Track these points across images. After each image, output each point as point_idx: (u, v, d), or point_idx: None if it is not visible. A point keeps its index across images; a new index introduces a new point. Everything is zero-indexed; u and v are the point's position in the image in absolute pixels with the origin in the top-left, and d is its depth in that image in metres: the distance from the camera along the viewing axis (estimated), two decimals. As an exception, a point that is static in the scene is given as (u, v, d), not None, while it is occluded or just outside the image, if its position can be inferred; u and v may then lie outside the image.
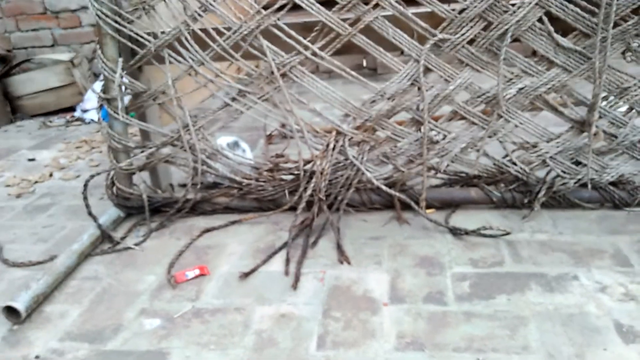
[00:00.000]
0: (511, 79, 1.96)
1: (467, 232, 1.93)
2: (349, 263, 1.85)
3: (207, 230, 2.14)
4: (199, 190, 2.24)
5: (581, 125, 2.00)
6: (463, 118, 2.06)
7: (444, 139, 2.03)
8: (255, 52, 2.04)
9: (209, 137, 2.23)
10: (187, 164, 2.21)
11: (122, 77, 2.12)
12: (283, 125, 3.12)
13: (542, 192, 1.99)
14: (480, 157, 2.06)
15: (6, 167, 3.20)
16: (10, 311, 1.65)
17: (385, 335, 1.49)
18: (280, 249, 1.97)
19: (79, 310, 1.71)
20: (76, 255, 1.94)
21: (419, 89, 1.98)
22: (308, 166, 2.15)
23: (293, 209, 2.14)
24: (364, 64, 4.66)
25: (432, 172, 2.10)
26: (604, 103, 1.98)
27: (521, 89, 1.95)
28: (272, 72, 2.02)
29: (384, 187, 2.04)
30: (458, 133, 2.04)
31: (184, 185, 2.39)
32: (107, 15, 2.08)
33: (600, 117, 1.97)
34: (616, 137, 2.00)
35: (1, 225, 2.40)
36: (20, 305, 1.64)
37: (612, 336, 1.41)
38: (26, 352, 1.54)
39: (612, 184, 2.04)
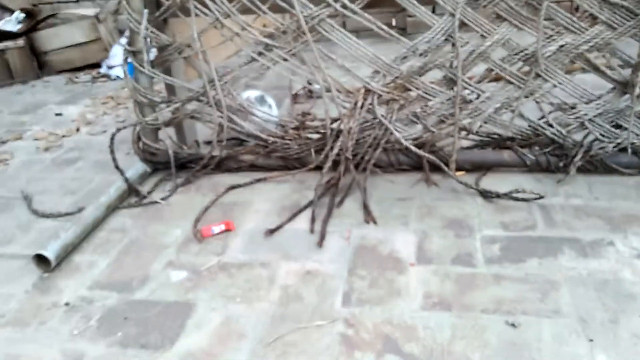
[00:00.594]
0: (551, 36, 1.86)
1: (498, 195, 1.87)
2: (375, 223, 1.82)
3: (233, 187, 2.13)
4: (225, 147, 2.22)
5: (624, 87, 1.90)
6: (497, 79, 1.98)
7: (477, 98, 1.96)
8: (283, 4, 1.97)
9: (234, 93, 2.19)
10: (213, 120, 2.19)
11: (147, 29, 2.08)
12: (309, 84, 3.09)
13: (579, 156, 1.92)
14: (515, 118, 1.98)
15: (34, 121, 3.23)
16: (41, 259, 1.68)
17: (411, 295, 1.47)
18: (305, 207, 1.95)
19: (107, 261, 1.73)
20: (104, 207, 1.95)
21: (454, 44, 1.89)
22: (335, 125, 2.10)
23: (319, 168, 2.11)
24: (393, 22, 4.52)
25: (464, 133, 2.03)
26: (650, 63, 1.87)
27: (562, 46, 1.85)
28: (300, 26, 1.95)
29: (413, 148, 1.98)
30: (492, 92, 1.96)
31: (209, 142, 2.38)
32: (133, -35, 2.03)
33: (645, 79, 1.87)
34: (661, 100, 1.90)
35: (31, 178, 2.43)
36: (50, 253, 1.67)
37: (648, 303, 1.37)
38: (56, 299, 1.57)
39: (653, 149, 1.95)
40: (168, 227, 1.90)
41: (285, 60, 2.05)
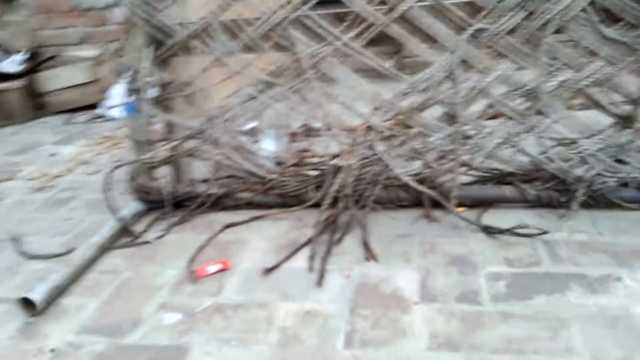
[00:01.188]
0: (552, 72, 1.86)
1: (501, 231, 1.83)
2: (376, 261, 1.77)
3: (229, 226, 2.08)
4: (222, 185, 2.18)
5: (625, 121, 1.90)
6: (495, 116, 1.97)
7: (478, 134, 1.94)
8: (284, 43, 1.98)
9: (233, 130, 2.17)
10: (211, 158, 2.16)
11: (148, 68, 2.08)
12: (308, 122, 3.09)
13: (581, 191, 1.89)
14: (516, 153, 1.96)
15: (29, 161, 3.19)
16: (27, 303, 1.61)
17: (417, 335, 1.40)
18: (304, 245, 1.89)
19: (96, 304, 1.66)
20: (95, 248, 1.90)
21: (454, 81, 1.89)
22: (334, 161, 2.07)
23: (317, 205, 2.07)
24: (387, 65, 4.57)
25: (465, 168, 2.01)
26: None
27: (562, 82, 1.85)
28: (302, 64, 1.96)
29: (413, 184, 1.95)
30: (493, 128, 1.95)
31: (205, 181, 2.34)
32: (137, 5, 2.04)
33: (645, 113, 1.87)
34: (661, 134, 1.89)
35: (22, 218, 2.37)
36: (36, 296, 1.60)
37: (664, 342, 1.31)
38: (41, 345, 1.49)
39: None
40: (161, 268, 1.83)
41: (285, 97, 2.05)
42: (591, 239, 1.79)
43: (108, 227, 2.02)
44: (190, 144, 2.21)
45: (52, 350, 1.46)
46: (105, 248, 1.95)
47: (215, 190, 2.19)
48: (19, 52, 4.46)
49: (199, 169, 2.41)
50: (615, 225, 1.86)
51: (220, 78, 2.15)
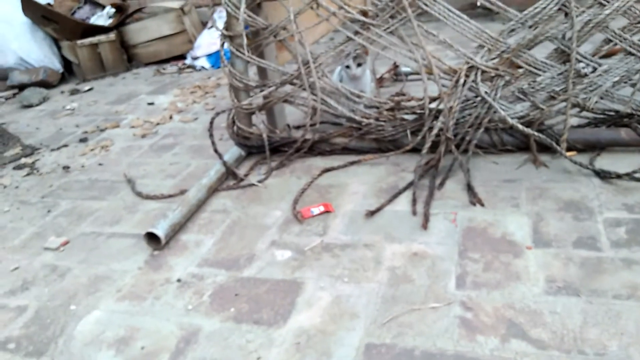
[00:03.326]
0: (683, 0, 1.69)
1: (618, 176, 1.73)
2: (482, 205, 1.74)
3: (327, 170, 2.12)
4: (317, 130, 2.20)
5: None
6: (612, 53, 1.82)
7: (593, 71, 1.82)
8: (382, -19, 1.91)
9: (328, 74, 2.16)
10: (306, 103, 2.17)
11: (245, 13, 2.10)
12: (396, 66, 3.02)
13: None
14: (636, 92, 1.82)
15: (129, 110, 3.37)
16: (151, 238, 1.74)
17: (532, 279, 1.38)
18: (405, 189, 1.89)
19: (212, 240, 1.76)
20: (205, 189, 2.00)
21: (567, 14, 1.76)
22: (434, 104, 2.02)
23: (414, 150, 2.05)
24: (478, 3, 4.33)
25: (577, 110, 1.89)
26: None
27: (695, 11, 1.68)
28: (400, 1, 1.89)
29: (519, 126, 1.87)
30: (611, 65, 1.81)
31: (299, 127, 2.37)
32: (230, -51, 2.04)
33: None
34: None
35: (131, 162, 2.53)
36: (160, 232, 1.72)
37: None
38: (168, 276, 1.61)
39: None
40: (267, 209, 1.91)
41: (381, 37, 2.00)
42: None
43: (214, 170, 2.11)
44: (286, 89, 2.23)
45: (179, 281, 1.57)
46: (214, 189, 2.05)
47: (311, 135, 2.21)
48: (106, 6, 4.63)
49: (292, 114, 2.45)
50: None
51: (313, 21, 2.12)
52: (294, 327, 1.34)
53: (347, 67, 2.30)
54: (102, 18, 4.57)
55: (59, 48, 4.47)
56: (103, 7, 4.65)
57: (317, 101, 2.14)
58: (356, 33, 2.04)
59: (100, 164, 2.56)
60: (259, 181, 2.11)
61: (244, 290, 1.50)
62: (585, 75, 1.83)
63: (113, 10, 4.57)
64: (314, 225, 1.77)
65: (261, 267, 1.59)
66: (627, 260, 1.40)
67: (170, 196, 2.09)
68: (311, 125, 2.18)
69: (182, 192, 2.05)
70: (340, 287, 1.46)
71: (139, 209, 2.05)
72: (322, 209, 1.84)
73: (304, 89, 2.16)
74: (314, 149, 2.26)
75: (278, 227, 1.78)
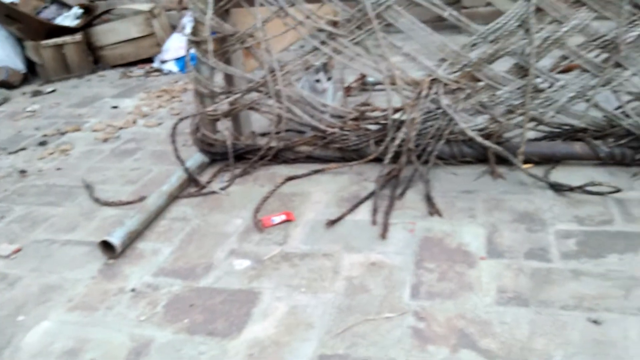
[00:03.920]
0: (634, 21, 1.75)
1: (571, 189, 1.78)
2: (440, 215, 1.76)
3: (290, 178, 2.11)
4: (282, 138, 2.20)
5: None
6: (569, 69, 1.88)
7: (550, 87, 1.87)
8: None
9: (295, 83, 2.17)
10: (272, 111, 2.17)
11: (212, 19, 2.08)
12: (363, 76, 3.05)
13: (658, 149, 1.80)
14: (590, 108, 1.88)
15: (92, 113, 3.31)
16: (106, 246, 1.70)
17: (484, 289, 1.41)
18: (366, 198, 1.91)
19: (170, 248, 1.74)
20: (165, 196, 1.97)
21: (527, 30, 1.81)
22: (397, 115, 2.05)
23: (377, 160, 2.06)
24: (446, 14, 4.40)
25: (534, 123, 1.94)
26: None
27: (644, 31, 1.74)
28: (366, 13, 1.91)
29: (478, 139, 1.91)
30: (567, 81, 1.86)
31: (265, 134, 2.37)
32: (196, -45, 2.03)
33: None
34: None
35: (91, 167, 2.48)
36: (115, 240, 1.69)
37: None
38: (122, 285, 1.58)
39: None
40: (228, 217, 1.89)
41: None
42: (666, 199, 1.72)
43: (176, 176, 2.09)
44: (252, 96, 2.23)
45: (133, 290, 1.55)
46: (174, 197, 2.03)
47: (275, 143, 2.21)
48: (73, 6, 4.55)
49: (258, 121, 2.44)
50: (693, 185, 1.78)
51: (281, 29, 2.13)
52: (248, 338, 1.33)
53: (317, 80, 2.31)
54: (68, 19, 4.48)
55: (23, 48, 4.36)
56: (70, 7, 4.56)
57: (282, 109, 2.14)
58: (323, 43, 2.05)
59: (58, 169, 2.50)
60: (222, 188, 2.09)
61: (199, 300, 1.48)
62: (543, 90, 1.88)
63: (80, 11, 4.49)
64: (274, 234, 1.76)
65: (218, 276, 1.57)
66: (575, 271, 1.44)
67: (129, 203, 2.05)
68: (276, 133, 2.18)
69: (142, 198, 2.02)
70: (297, 297, 1.46)
71: (96, 216, 2.01)
72: (283, 217, 1.84)
73: (270, 97, 2.16)
74: (278, 156, 2.25)
75: (238, 236, 1.77)
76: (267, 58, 2.10)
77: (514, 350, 1.21)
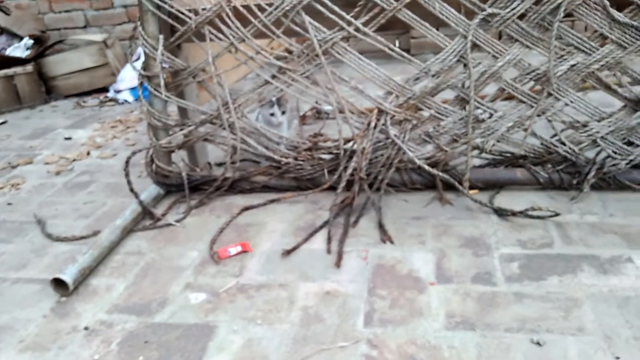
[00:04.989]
0: (562, 56, 1.89)
1: (513, 213, 1.88)
2: (392, 242, 1.82)
3: (247, 208, 2.14)
4: (237, 169, 2.23)
5: (635, 104, 1.93)
6: (509, 97, 2.00)
7: (490, 117, 1.98)
8: (297, 29, 2.00)
9: (247, 115, 2.21)
10: (226, 142, 2.20)
11: (162, 54, 2.11)
12: (318, 104, 3.12)
13: (592, 173, 1.93)
14: (528, 136, 2.00)
15: (44, 145, 3.25)
16: (58, 283, 1.68)
17: (433, 314, 1.46)
18: (321, 227, 1.95)
19: (124, 284, 1.72)
20: (119, 230, 1.96)
21: (465, 65, 1.92)
22: (348, 145, 2.12)
23: (332, 188, 2.12)
24: (397, 44, 4.58)
25: (477, 151, 2.05)
26: (660, 81, 1.90)
27: (573, 65, 1.88)
28: (314, 49, 1.99)
29: (426, 167, 2.00)
30: (505, 111, 1.98)
31: (221, 164, 2.39)
32: (148, -9, 2.07)
33: (655, 96, 1.90)
34: (671, 117, 1.92)
35: (43, 201, 2.43)
36: (67, 277, 1.67)
37: (672, 320, 1.37)
38: (75, 323, 1.56)
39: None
40: (184, 249, 1.90)
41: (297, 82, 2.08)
42: (602, 221, 1.84)
43: (130, 210, 2.08)
44: (206, 128, 2.26)
45: (86, 329, 1.52)
46: (129, 230, 2.01)
47: (231, 174, 2.24)
48: (24, 37, 4.48)
49: (214, 152, 2.46)
50: (626, 206, 1.91)
51: (233, 63, 2.17)
52: (203, 373, 1.33)
53: (272, 114, 2.37)
54: (19, 49, 4.41)
55: (-29, 79, 4.25)
56: (21, 38, 4.49)
57: (237, 140, 2.17)
58: (274, 77, 2.11)
59: (9, 204, 2.44)
60: (177, 221, 2.10)
61: (154, 336, 1.47)
62: (483, 120, 1.99)
63: (31, 41, 4.42)
64: (230, 266, 1.78)
65: (174, 311, 1.57)
66: (518, 294, 1.51)
67: (82, 237, 2.02)
68: (231, 163, 2.21)
69: (96, 233, 2.00)
70: (252, 329, 1.47)
71: (48, 252, 1.97)
72: (239, 248, 1.86)
73: (224, 128, 2.19)
74: (234, 187, 2.28)
75: (194, 269, 1.78)
76: (219, 91, 2.14)
77: (461, 373, 1.26)
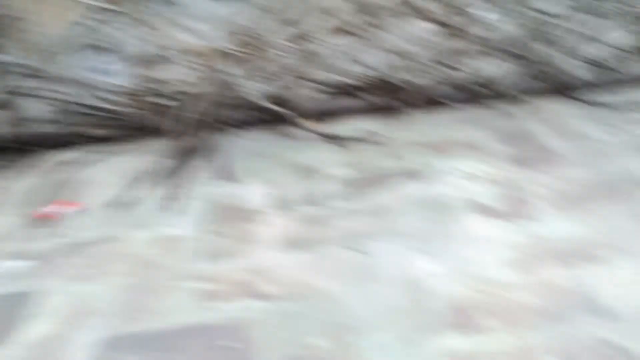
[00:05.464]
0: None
1: (346, 139, 1.96)
2: (231, 180, 1.81)
3: (77, 163, 1.97)
4: (68, 123, 2.05)
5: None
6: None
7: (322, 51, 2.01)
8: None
9: (75, 64, 2.02)
10: (53, 96, 2.00)
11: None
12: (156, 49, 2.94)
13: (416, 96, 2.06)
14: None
15: None
16: None
17: (270, 241, 1.50)
18: (160, 174, 1.88)
19: None
20: None
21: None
22: (186, 87, 2.03)
23: (170, 133, 2.03)
24: None
25: (314, 84, 2.08)
26: None
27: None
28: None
29: (265, 103, 2.00)
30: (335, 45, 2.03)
31: (49, 120, 2.17)
32: None
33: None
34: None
35: None
36: None
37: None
38: None
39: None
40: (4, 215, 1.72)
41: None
42: (418, 137, 1.99)
43: None
44: (29, 83, 2.02)
45: None
46: None
47: (60, 128, 2.05)
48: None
49: (40, 108, 2.23)
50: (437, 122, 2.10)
51: (57, 8, 1.95)
52: (30, 338, 1.24)
53: (106, 62, 2.17)
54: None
55: None
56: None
57: (63, 94, 1.99)
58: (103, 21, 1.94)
59: None
60: (-4, 184, 1.88)
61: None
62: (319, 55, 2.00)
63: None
64: (60, 226, 1.64)
65: (-4, 280, 1.43)
66: (346, 210, 1.62)
67: None
68: (59, 117, 2.02)
69: None
70: (86, 287, 1.39)
71: None
72: (67, 207, 1.72)
73: (48, 82, 1.98)
74: (64, 142, 2.08)
75: (17, 234, 1.62)
76: (41, 40, 1.92)
77: (295, 291, 1.32)
